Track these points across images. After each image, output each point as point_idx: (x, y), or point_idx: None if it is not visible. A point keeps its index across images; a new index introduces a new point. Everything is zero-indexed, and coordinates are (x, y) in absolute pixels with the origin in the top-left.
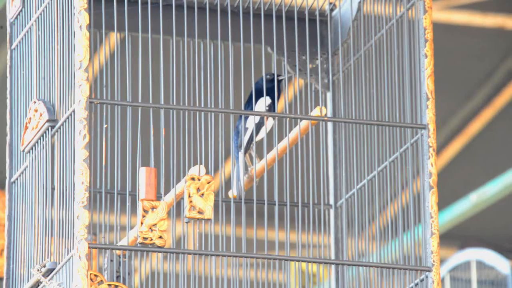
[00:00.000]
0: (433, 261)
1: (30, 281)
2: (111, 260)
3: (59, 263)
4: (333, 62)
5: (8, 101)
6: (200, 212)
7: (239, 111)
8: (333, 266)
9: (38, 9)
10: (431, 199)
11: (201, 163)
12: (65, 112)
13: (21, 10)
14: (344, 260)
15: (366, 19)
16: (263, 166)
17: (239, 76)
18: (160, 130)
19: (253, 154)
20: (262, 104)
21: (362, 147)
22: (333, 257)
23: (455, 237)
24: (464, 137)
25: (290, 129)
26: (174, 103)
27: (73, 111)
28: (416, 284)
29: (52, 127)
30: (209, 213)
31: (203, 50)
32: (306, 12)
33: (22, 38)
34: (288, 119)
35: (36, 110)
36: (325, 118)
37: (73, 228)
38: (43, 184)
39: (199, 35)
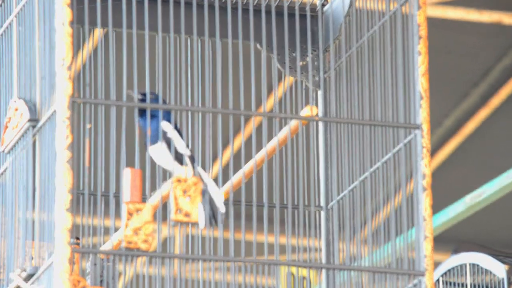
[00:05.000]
0: (427, 265)
1: (10, 286)
2: (95, 264)
3: (40, 267)
4: (324, 59)
5: None
6: (186, 215)
7: (227, 111)
8: (323, 270)
9: (19, 3)
10: (424, 201)
11: (187, 164)
12: (47, 112)
13: (0, 5)
14: (335, 264)
15: (359, 15)
16: (252, 167)
17: (227, 74)
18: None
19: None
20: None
21: (354, 147)
22: (323, 260)
23: (449, 240)
24: (459, 138)
25: (280, 129)
26: (160, 102)
27: (55, 110)
28: None
29: (33, 127)
30: (195, 215)
31: (190, 47)
32: (297, 8)
33: (2, 34)
34: (277, 118)
35: (16, 109)
36: (316, 118)
37: (55, 231)
38: (24, 186)
39: (186, 31)
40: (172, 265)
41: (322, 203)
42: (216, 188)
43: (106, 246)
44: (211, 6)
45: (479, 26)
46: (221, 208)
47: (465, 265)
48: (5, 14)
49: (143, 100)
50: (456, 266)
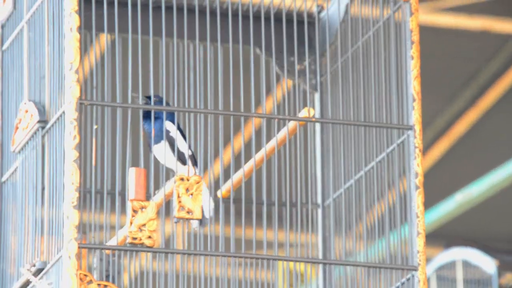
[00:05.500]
0: (419, 261)
1: (19, 280)
2: (101, 260)
3: (49, 262)
4: (320, 63)
5: None
6: (189, 212)
7: (228, 112)
8: (320, 265)
9: (29, 10)
10: (417, 199)
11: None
12: (56, 113)
13: (12, 13)
14: (331, 259)
15: (354, 21)
16: (252, 166)
17: (228, 77)
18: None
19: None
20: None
21: (349, 147)
22: (320, 256)
23: (441, 236)
24: (449, 138)
25: (279, 130)
26: (164, 104)
27: (63, 112)
28: (403, 283)
29: (43, 127)
30: (198, 213)
31: (192, 51)
32: (295, 14)
33: (13, 40)
34: (276, 119)
35: (26, 111)
36: (313, 119)
37: (63, 227)
38: (34, 184)
39: (188, 36)
40: (175, 261)
41: (319, 201)
42: (207, 195)
43: (112, 242)
44: (213, 13)
45: (469, 31)
46: (207, 215)
47: (457, 260)
48: (17, 20)
49: (147, 103)
50: (448, 262)
